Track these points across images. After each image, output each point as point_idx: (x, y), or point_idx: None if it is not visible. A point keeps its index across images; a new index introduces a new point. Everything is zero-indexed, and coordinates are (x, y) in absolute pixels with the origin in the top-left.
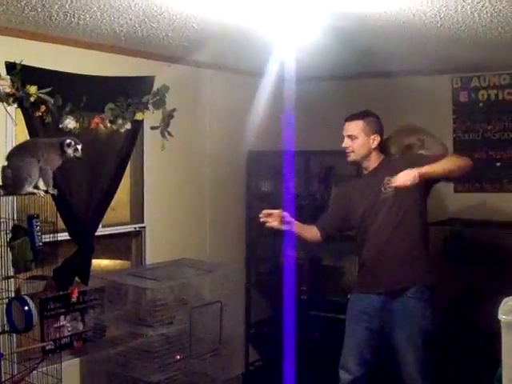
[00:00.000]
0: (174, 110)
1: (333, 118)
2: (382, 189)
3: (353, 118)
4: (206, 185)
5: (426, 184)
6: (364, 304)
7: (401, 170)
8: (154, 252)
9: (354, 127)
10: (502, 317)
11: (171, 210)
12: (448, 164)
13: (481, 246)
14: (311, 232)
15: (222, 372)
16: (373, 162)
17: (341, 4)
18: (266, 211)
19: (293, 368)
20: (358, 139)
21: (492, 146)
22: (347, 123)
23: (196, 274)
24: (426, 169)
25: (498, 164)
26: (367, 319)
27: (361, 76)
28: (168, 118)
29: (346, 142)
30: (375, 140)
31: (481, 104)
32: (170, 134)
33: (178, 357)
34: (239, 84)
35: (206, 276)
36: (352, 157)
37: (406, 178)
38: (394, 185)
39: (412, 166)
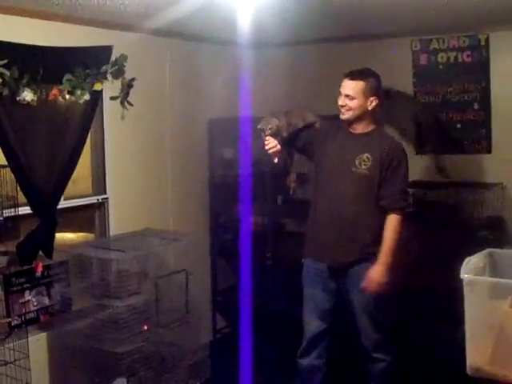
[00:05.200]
0: (133, 79)
1: (293, 83)
2: (357, 162)
3: (353, 76)
4: (167, 154)
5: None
6: (317, 267)
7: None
8: (118, 223)
9: (354, 87)
10: (464, 276)
11: (133, 181)
12: (393, 240)
13: (443, 208)
14: None
15: (189, 341)
16: (363, 126)
17: None
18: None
19: (251, 334)
20: (355, 99)
21: (452, 107)
22: (347, 81)
23: (160, 244)
24: (384, 264)
25: (459, 126)
26: (323, 282)
27: (320, 41)
28: (127, 87)
29: (343, 101)
30: (373, 102)
31: (440, 66)
32: (129, 103)
33: (146, 327)
34: (198, 52)
35: (171, 245)
36: (346, 115)
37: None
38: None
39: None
